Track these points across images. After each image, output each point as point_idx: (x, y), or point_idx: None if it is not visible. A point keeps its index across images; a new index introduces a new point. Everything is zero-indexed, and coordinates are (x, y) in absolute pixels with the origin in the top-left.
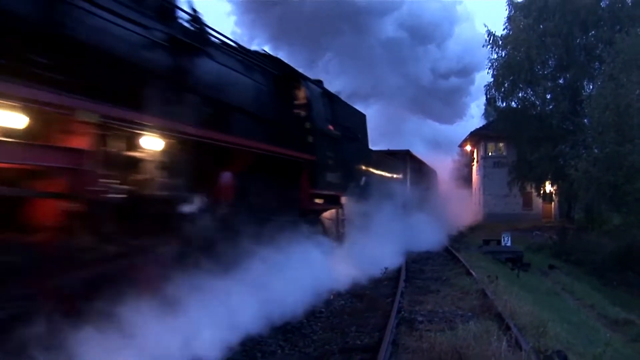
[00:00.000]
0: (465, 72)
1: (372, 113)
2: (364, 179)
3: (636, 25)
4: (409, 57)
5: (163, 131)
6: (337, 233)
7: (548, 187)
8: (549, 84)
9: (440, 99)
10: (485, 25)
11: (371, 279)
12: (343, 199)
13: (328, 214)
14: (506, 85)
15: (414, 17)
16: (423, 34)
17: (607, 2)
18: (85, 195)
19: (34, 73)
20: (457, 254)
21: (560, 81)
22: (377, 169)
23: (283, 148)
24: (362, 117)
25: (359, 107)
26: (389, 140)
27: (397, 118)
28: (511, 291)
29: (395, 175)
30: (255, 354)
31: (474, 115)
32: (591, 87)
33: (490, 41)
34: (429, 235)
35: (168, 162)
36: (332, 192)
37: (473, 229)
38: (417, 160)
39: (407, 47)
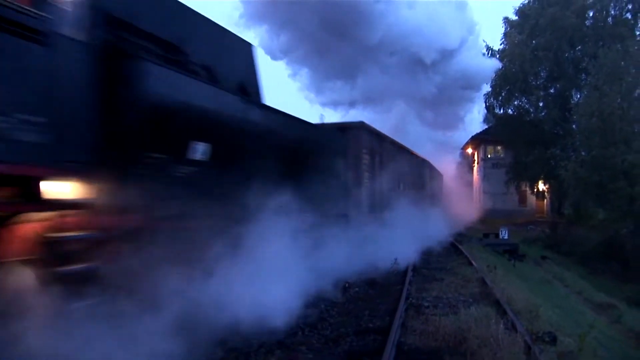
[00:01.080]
0: (462, 87)
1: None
2: (200, 148)
3: (616, 41)
4: (409, 79)
5: None
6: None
7: (541, 186)
8: (541, 93)
9: (434, 105)
10: (484, 41)
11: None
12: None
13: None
14: (503, 94)
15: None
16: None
17: (591, 21)
18: None
19: None
20: (459, 246)
21: (551, 91)
22: (272, 140)
23: None
24: (240, 46)
25: (370, 112)
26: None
27: (403, 120)
28: (508, 279)
29: (328, 159)
30: (278, 335)
31: (471, 131)
32: (578, 96)
33: (489, 55)
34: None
35: None
36: None
37: (474, 223)
38: (389, 142)
39: (407, 72)
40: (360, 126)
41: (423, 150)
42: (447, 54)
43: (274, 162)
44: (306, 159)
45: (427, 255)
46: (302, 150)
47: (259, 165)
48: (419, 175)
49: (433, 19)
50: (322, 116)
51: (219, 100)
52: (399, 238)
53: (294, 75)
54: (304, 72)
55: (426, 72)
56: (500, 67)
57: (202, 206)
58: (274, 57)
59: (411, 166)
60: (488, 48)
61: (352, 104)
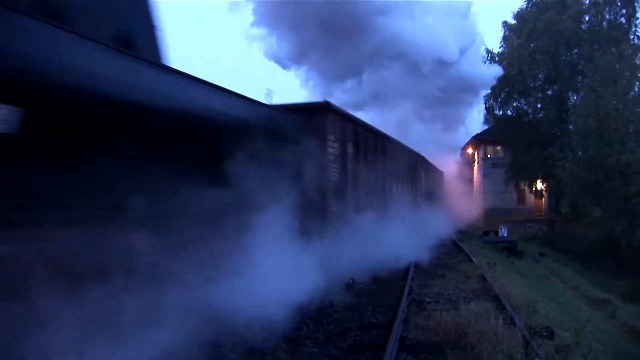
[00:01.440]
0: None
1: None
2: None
3: (611, 45)
4: (411, 81)
5: None
6: None
7: (539, 185)
8: (539, 95)
9: (436, 105)
10: (484, 44)
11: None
12: None
13: None
14: (502, 96)
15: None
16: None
17: (587, 25)
18: None
19: None
20: (460, 244)
21: (549, 92)
22: (167, 113)
23: None
24: None
25: (377, 113)
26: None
27: (405, 120)
28: (507, 276)
29: (267, 147)
30: (284, 329)
31: (472, 132)
32: (575, 97)
33: (489, 58)
34: None
35: None
36: None
37: (474, 221)
38: (367, 130)
39: (408, 74)
40: (325, 107)
41: (425, 149)
42: (445, 64)
43: (170, 145)
44: (228, 145)
45: (429, 253)
46: (219, 132)
47: (140, 149)
48: (410, 170)
49: (433, 31)
50: (269, 91)
51: (49, 43)
52: (380, 242)
53: (306, 82)
54: (312, 77)
55: (426, 76)
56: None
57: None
58: (285, 67)
59: (400, 160)
60: (488, 51)
61: (359, 105)
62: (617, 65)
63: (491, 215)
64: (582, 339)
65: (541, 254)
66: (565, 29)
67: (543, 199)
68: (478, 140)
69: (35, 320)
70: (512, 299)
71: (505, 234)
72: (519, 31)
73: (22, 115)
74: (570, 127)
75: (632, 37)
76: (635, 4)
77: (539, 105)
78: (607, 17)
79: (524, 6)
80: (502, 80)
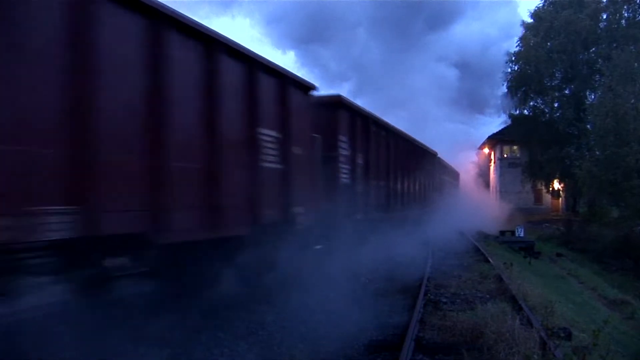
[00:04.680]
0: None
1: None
2: None
3: (630, 43)
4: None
5: None
6: None
7: (556, 185)
8: (556, 94)
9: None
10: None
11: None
12: None
13: None
14: (519, 95)
15: None
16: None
17: (605, 24)
18: None
19: None
20: (476, 244)
21: (566, 92)
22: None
23: None
24: None
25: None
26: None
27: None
28: (524, 276)
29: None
30: (301, 329)
31: (488, 131)
32: (593, 96)
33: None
34: None
35: None
36: None
37: (491, 221)
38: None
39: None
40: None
41: (443, 150)
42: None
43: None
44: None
45: (445, 252)
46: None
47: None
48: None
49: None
50: None
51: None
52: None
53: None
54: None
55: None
56: (516, 68)
57: None
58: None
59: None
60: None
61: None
62: (636, 64)
63: (508, 215)
64: (600, 341)
65: (558, 254)
66: (582, 27)
67: (560, 198)
68: (494, 140)
69: None
70: (528, 299)
71: (522, 234)
72: (535, 30)
73: None
74: (588, 126)
75: None
76: None
77: (556, 105)
78: (626, 15)
79: (541, 5)
80: (518, 79)
